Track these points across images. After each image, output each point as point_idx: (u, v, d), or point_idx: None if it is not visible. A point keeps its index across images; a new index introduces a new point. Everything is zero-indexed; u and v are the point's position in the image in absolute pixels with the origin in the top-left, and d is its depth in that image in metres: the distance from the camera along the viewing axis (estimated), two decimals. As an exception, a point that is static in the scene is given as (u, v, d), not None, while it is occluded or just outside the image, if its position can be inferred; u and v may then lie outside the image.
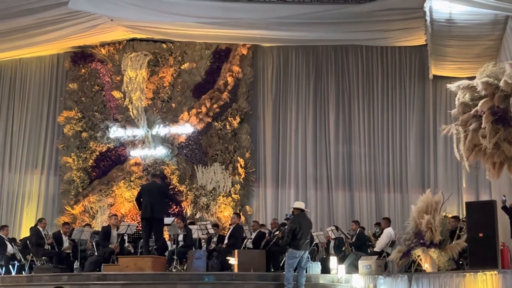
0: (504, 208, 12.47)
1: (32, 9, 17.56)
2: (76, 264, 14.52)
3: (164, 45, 21.21)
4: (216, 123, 20.51)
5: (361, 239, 15.58)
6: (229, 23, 18.43)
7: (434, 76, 19.04)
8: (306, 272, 13.18)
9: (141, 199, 14.36)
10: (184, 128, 20.55)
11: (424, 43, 18.07)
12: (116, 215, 16.77)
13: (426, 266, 12.77)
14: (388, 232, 14.94)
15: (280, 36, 19.54)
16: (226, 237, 15.07)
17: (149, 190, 14.36)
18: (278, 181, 20.24)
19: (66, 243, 15.37)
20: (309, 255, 13.42)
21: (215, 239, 15.71)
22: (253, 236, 15.48)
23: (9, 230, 16.96)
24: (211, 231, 15.45)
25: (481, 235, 11.56)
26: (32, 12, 17.67)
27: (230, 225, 16.09)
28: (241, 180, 20.08)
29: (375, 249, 14.97)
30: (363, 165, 19.71)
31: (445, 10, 14.95)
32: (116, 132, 20.87)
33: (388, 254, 14.23)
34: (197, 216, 19.80)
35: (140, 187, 16.37)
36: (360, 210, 19.44)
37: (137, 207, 15.43)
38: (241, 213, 19.41)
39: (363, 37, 18.89)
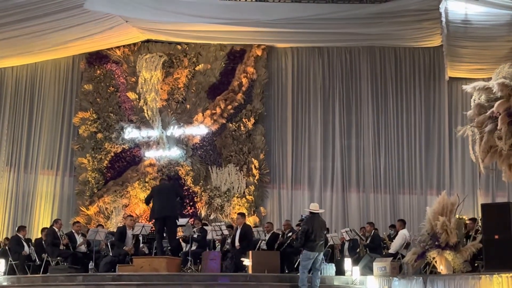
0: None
1: (47, 12, 17.67)
2: (91, 265, 14.56)
3: (178, 47, 21.26)
4: (230, 124, 20.52)
5: (376, 241, 15.52)
6: (244, 23, 18.45)
7: (450, 77, 18.96)
8: (321, 273, 13.14)
9: (151, 200, 14.36)
10: (199, 129, 20.59)
11: (440, 44, 18.00)
12: (131, 215, 16.84)
13: (441, 268, 12.72)
14: (403, 234, 14.90)
15: (295, 36, 19.56)
16: (237, 239, 14.89)
17: (159, 191, 14.36)
18: (293, 182, 20.21)
19: (79, 241, 15.43)
20: (323, 257, 13.38)
21: (229, 240, 15.67)
22: (267, 238, 15.45)
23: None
24: (225, 232, 15.43)
25: (497, 237, 11.52)
26: (47, 14, 17.78)
27: (237, 225, 15.88)
28: (255, 181, 20.08)
29: (390, 251, 14.92)
30: (377, 166, 19.66)
31: (460, 11, 14.91)
32: (131, 133, 20.94)
33: (403, 256, 14.19)
34: (212, 217, 19.82)
35: (151, 189, 16.34)
36: (375, 212, 19.39)
37: (146, 205, 15.40)
38: (255, 214, 19.43)
39: (378, 37, 18.84)
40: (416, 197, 19.24)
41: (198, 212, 19.93)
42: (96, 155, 21.03)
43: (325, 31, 18.84)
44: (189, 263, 14.20)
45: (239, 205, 19.85)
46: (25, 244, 15.84)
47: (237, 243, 14.71)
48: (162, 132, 20.76)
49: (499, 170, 11.97)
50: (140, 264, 13.59)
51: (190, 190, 20.16)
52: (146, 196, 15.36)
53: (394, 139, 19.77)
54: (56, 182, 21.34)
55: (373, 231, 15.78)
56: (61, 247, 15.01)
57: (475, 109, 11.78)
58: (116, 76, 21.54)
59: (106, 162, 21.02)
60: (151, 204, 14.42)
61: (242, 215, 15.55)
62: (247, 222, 16.29)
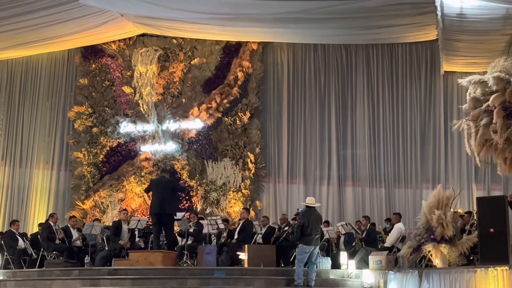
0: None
1: (43, 6, 17.60)
2: (87, 259, 14.58)
3: (174, 41, 21.21)
4: (226, 118, 20.51)
5: (372, 234, 15.56)
6: (239, 18, 18.40)
7: (445, 71, 18.97)
8: (317, 267, 13.17)
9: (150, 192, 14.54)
10: (194, 123, 20.56)
11: (435, 38, 17.99)
12: (126, 210, 16.85)
13: (437, 261, 12.75)
14: (399, 227, 14.93)
15: (290, 33, 19.51)
16: (236, 232, 15.07)
17: (158, 185, 14.42)
18: (288, 176, 20.21)
19: (75, 235, 15.46)
20: (319, 251, 13.41)
21: (225, 234, 15.73)
22: (263, 231, 15.48)
23: (19, 225, 17.07)
24: (221, 226, 15.48)
25: (492, 230, 11.54)
26: (42, 8, 17.70)
27: (239, 220, 16.09)
28: (251, 175, 20.09)
29: (386, 245, 14.96)
30: (373, 160, 19.67)
31: (456, 5, 14.86)
32: (126, 127, 20.89)
33: (399, 250, 14.23)
34: (207, 211, 19.82)
35: (150, 181, 16.43)
36: (370, 206, 19.41)
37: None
38: (251, 208, 19.43)
39: (373, 32, 18.80)
40: (411, 190, 19.26)
41: (194, 206, 19.93)
42: (92, 149, 20.99)
43: (321, 26, 18.77)
44: (185, 257, 14.22)
45: (235, 199, 19.87)
46: (19, 238, 15.85)
47: (236, 236, 14.83)
48: (158, 126, 20.73)
49: (494, 163, 11.99)
50: (136, 258, 13.61)
51: (186, 184, 20.14)
52: (145, 189, 15.60)
53: (389, 133, 19.77)
54: (51, 176, 21.27)
55: (368, 224, 15.82)
56: (57, 241, 15.02)
57: (470, 103, 11.78)
58: (111, 70, 21.49)
59: (101, 156, 20.97)
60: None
61: (246, 210, 15.82)
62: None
